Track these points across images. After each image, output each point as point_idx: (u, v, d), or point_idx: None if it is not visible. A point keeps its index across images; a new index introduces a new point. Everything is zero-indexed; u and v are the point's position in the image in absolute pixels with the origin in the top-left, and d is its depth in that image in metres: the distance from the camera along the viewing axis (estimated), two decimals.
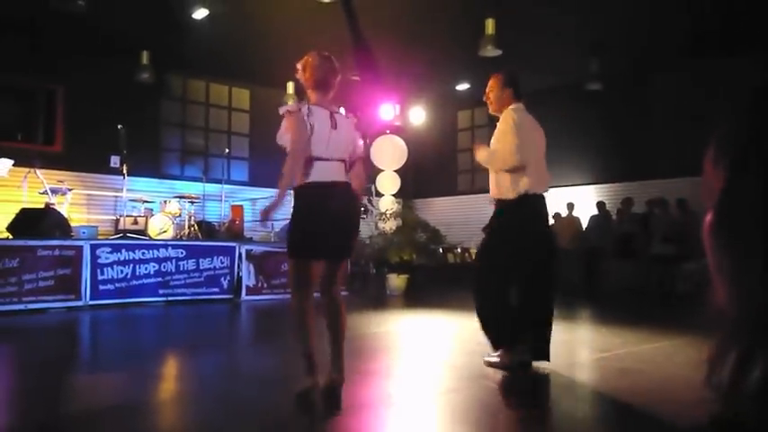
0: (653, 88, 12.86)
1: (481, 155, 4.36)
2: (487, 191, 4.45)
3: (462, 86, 13.62)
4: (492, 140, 4.37)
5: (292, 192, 3.30)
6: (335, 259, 3.40)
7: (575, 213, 12.76)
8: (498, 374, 4.05)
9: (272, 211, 3.27)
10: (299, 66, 3.44)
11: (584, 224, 12.57)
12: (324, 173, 3.25)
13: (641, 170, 12.82)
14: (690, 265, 9.69)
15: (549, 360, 4.17)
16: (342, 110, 3.47)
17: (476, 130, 15.55)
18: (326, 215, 3.22)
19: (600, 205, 12.34)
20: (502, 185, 4.22)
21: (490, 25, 9.34)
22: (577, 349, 5.35)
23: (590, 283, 11.74)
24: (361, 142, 3.53)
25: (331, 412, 3.13)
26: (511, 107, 4.28)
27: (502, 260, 4.19)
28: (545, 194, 4.34)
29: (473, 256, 13.65)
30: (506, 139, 4.15)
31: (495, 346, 4.24)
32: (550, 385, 3.87)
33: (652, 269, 10.93)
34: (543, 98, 14.13)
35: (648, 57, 12.04)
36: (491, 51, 9.42)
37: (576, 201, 12.94)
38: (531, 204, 4.19)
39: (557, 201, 13.37)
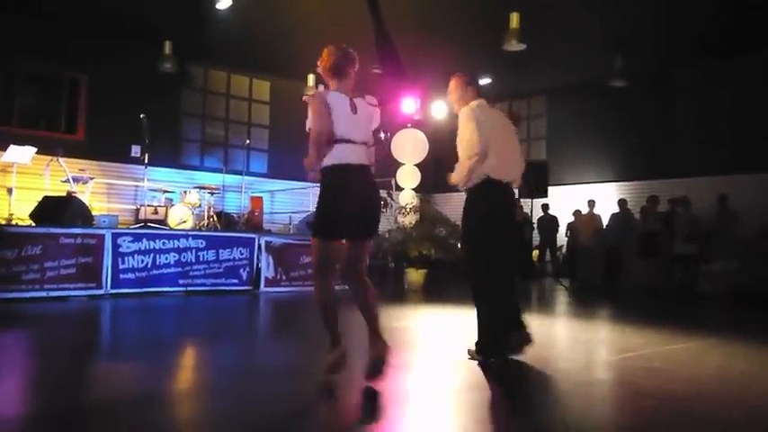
0: (677, 86, 12.66)
1: (454, 176, 4.41)
2: None
3: (483, 81, 13.48)
4: (457, 140, 4.42)
5: (320, 174, 3.46)
6: (359, 238, 3.49)
7: (595, 211, 12.61)
8: (518, 373, 3.99)
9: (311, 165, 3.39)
10: (319, 61, 3.58)
11: (605, 222, 12.42)
12: (347, 154, 3.40)
13: (663, 168, 12.64)
14: (714, 265, 9.51)
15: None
16: (368, 97, 3.59)
17: None
18: (349, 195, 3.36)
19: (621, 203, 12.19)
20: (468, 172, 4.25)
21: (515, 19, 9.22)
22: (600, 349, 5.27)
23: (609, 281, 11.61)
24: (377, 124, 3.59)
25: (373, 381, 3.40)
26: (470, 104, 4.35)
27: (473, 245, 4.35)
28: (513, 183, 4.39)
29: None
30: (466, 131, 4.22)
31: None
32: (574, 385, 3.80)
33: (674, 268, 10.78)
34: (566, 95, 14.02)
35: (673, 54, 11.85)
36: (515, 46, 9.31)
37: (597, 198, 12.79)
38: (495, 190, 4.26)
39: (577, 198, 13.23)
